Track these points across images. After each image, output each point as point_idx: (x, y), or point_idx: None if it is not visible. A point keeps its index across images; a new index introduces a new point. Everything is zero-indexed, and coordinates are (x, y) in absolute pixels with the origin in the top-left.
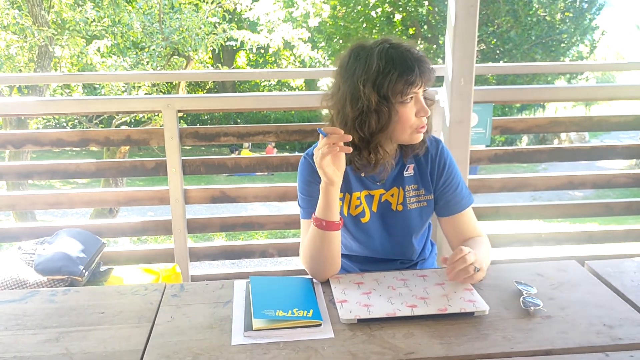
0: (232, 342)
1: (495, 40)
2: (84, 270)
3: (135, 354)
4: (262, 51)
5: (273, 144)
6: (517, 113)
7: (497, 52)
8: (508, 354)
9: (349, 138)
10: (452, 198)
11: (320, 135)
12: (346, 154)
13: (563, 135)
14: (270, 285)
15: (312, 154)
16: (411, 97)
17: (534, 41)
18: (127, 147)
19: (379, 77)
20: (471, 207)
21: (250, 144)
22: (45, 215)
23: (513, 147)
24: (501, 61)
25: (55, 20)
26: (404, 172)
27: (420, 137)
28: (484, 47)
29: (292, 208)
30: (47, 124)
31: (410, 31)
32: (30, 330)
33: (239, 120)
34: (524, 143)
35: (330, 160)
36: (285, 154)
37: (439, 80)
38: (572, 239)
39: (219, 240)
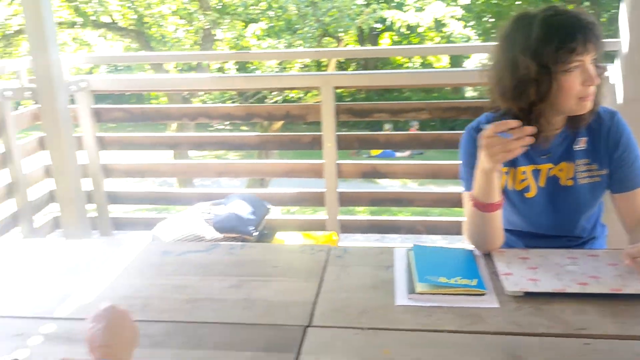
0: (396, 303)
1: None
2: (254, 230)
3: (308, 305)
4: (407, 32)
5: (416, 126)
6: None
7: None
8: None
9: (531, 130)
10: (628, 173)
11: (491, 130)
12: None
13: None
14: (432, 253)
15: (476, 128)
16: (576, 66)
17: None
18: (280, 124)
19: (539, 45)
20: None
21: (391, 126)
22: (202, 185)
23: None
24: None
25: (216, 5)
26: (574, 146)
27: (587, 106)
28: None
29: (443, 186)
30: (205, 103)
31: (570, 7)
32: (216, 277)
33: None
34: None
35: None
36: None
37: (609, 57)
38: None
39: (363, 215)
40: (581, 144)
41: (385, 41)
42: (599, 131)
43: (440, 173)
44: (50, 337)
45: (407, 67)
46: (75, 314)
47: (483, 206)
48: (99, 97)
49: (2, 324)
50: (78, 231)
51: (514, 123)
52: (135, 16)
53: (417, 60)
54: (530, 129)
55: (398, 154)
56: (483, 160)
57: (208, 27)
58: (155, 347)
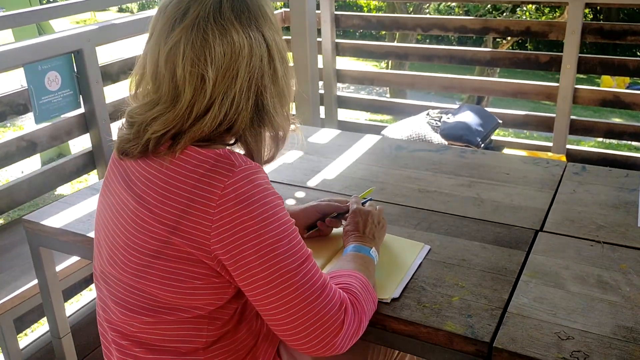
0: (638, 224)
1: None
2: (480, 142)
3: (540, 211)
4: None
5: None
6: None
7: None
8: None
9: None
10: None
11: None
12: None
13: None
14: None
15: None
16: None
17: None
18: (512, 42)
19: None
20: None
21: None
22: (413, 97)
23: None
24: None
25: None
26: None
27: None
28: None
29: None
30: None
31: None
32: (446, 175)
33: None
34: None
35: None
36: None
37: None
38: None
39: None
40: None
41: None
42: None
43: None
44: (301, 200)
45: None
46: (320, 185)
47: None
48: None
49: None
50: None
51: None
52: None
53: None
54: None
55: None
56: None
57: None
58: (390, 224)
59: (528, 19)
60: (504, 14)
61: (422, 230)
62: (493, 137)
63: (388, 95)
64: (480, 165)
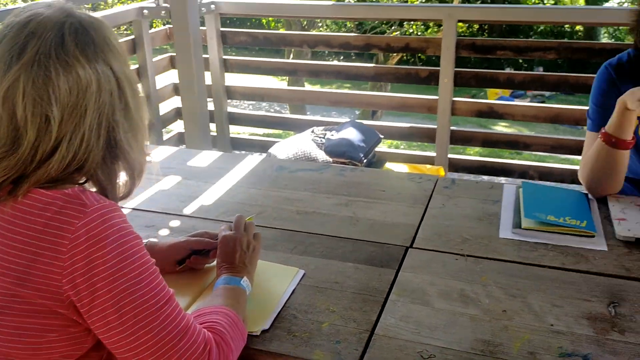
0: (499, 235)
1: None
2: (363, 158)
3: (411, 228)
4: None
5: (541, 70)
6: None
7: None
8: None
9: None
10: None
11: None
12: None
13: None
14: (543, 191)
15: (615, 65)
16: None
17: None
18: (397, 59)
19: None
20: None
21: (512, 69)
22: (314, 113)
23: None
24: None
25: None
26: None
27: None
28: None
29: (562, 132)
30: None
31: None
32: (325, 195)
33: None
34: None
35: None
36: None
37: None
38: None
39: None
40: None
41: None
42: None
43: (561, 117)
44: (176, 230)
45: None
46: (197, 212)
47: (614, 142)
48: (223, 20)
49: (137, 215)
50: (200, 148)
51: None
52: None
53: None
54: None
55: (517, 102)
56: (627, 100)
57: None
58: (267, 249)
59: (418, 33)
60: (393, 27)
61: (298, 254)
62: (385, 150)
63: (288, 111)
64: (359, 184)
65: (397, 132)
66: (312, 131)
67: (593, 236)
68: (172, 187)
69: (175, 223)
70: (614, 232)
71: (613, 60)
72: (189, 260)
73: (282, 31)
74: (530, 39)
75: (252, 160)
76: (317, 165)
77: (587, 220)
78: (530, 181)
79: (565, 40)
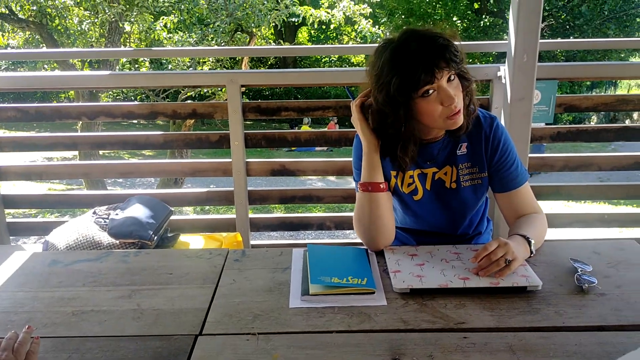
0: (290, 305)
1: (565, 15)
2: (153, 235)
3: (201, 312)
4: (324, 27)
5: (335, 120)
6: (587, 91)
7: (567, 27)
8: (559, 328)
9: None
10: (506, 175)
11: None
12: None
13: (635, 115)
14: (327, 253)
15: None
16: (428, 90)
17: (607, 16)
18: (193, 121)
19: (385, 80)
20: (528, 184)
21: (310, 119)
22: (114, 185)
23: (577, 126)
24: (571, 37)
25: None
26: (457, 151)
27: (456, 123)
28: (553, 22)
29: (349, 183)
30: (116, 97)
31: (475, 5)
32: (105, 287)
33: (299, 97)
34: (593, 123)
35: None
36: (346, 129)
37: (502, 56)
38: (637, 221)
39: (278, 213)
40: (463, 148)
41: (304, 35)
42: (479, 137)
43: (346, 170)
44: None
45: (325, 62)
46: None
47: (370, 187)
48: None
49: None
50: None
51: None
52: (36, 7)
53: (334, 56)
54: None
55: (318, 148)
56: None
57: (114, 19)
58: None
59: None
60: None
61: None
62: (184, 218)
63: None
64: (143, 269)
65: (195, 198)
66: (94, 212)
67: (374, 292)
68: None
69: None
70: (392, 285)
71: None
72: None
73: (54, 104)
74: (309, 100)
75: (21, 256)
76: (97, 254)
77: (367, 277)
78: (315, 243)
79: (342, 99)
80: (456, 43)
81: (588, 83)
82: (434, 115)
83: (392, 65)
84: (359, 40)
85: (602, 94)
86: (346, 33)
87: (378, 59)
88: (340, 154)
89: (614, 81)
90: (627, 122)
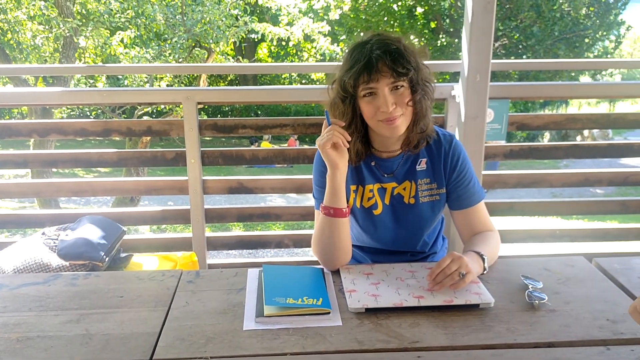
0: (244, 327)
1: (518, 35)
2: (104, 256)
3: (152, 336)
4: (284, 43)
5: (295, 137)
6: (539, 110)
7: (520, 47)
8: (511, 345)
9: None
10: (463, 193)
11: (325, 120)
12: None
13: (585, 132)
14: (282, 273)
15: None
16: (369, 92)
17: (557, 37)
18: (149, 138)
19: (343, 74)
20: (483, 202)
21: (270, 136)
22: (68, 203)
23: (529, 144)
24: (524, 56)
25: (80, 11)
26: (417, 166)
27: (392, 130)
28: (507, 42)
29: (309, 200)
30: (71, 113)
31: (432, 25)
32: (53, 312)
33: (259, 112)
34: (545, 140)
35: (333, 146)
36: (304, 146)
37: (456, 75)
38: (587, 236)
39: (237, 231)
40: (422, 164)
41: (263, 51)
42: (438, 154)
43: (304, 187)
44: None
45: (285, 78)
46: None
47: (332, 212)
48: None
49: None
50: None
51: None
52: None
53: (295, 73)
54: (340, 122)
55: (278, 165)
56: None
57: (69, 34)
58: None
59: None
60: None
61: None
62: (139, 237)
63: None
64: (93, 292)
65: (150, 217)
66: (43, 233)
67: (329, 312)
68: None
69: None
70: (347, 305)
71: None
72: None
73: (4, 120)
74: (267, 118)
75: None
76: (45, 277)
77: (322, 297)
78: (274, 261)
79: (300, 117)
80: (418, 59)
81: (540, 102)
82: (371, 117)
83: (346, 59)
84: (319, 57)
85: (553, 112)
86: (306, 50)
87: (344, 56)
88: (301, 171)
89: (566, 100)
90: (578, 139)
